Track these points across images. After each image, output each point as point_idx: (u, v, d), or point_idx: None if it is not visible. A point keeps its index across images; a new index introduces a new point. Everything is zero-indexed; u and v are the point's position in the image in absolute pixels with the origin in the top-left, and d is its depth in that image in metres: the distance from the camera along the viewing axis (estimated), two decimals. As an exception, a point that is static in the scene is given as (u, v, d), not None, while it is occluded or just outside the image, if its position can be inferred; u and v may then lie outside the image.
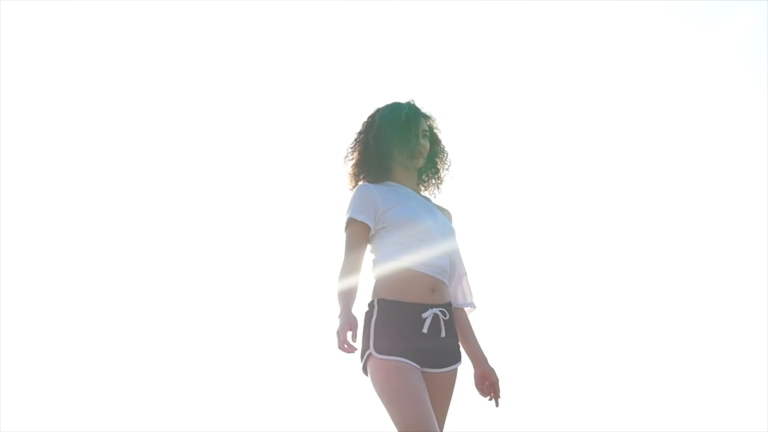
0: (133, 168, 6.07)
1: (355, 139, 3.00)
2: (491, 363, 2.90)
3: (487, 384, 2.88)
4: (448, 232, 2.93)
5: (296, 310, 5.32)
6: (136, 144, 6.09)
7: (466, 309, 2.95)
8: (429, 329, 2.76)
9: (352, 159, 2.99)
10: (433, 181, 3.05)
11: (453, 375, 2.82)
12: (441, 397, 2.79)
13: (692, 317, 6.03)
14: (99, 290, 5.88)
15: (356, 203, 2.87)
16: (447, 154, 3.05)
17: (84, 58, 6.02)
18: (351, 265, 2.80)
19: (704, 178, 6.31)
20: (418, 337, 2.75)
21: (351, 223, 2.86)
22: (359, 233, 2.84)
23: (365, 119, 3.01)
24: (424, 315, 2.76)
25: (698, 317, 6.04)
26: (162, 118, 6.08)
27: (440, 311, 2.78)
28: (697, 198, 6.29)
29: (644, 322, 6.01)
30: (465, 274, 2.95)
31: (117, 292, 5.87)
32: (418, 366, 2.70)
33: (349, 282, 2.79)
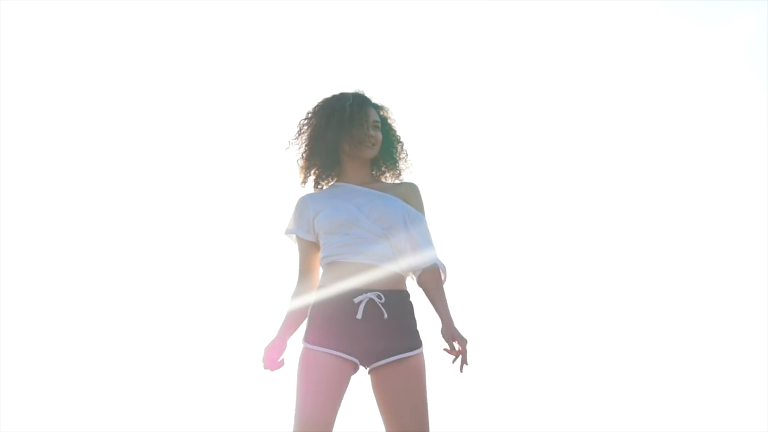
0: (133, 168, 6.07)
1: (300, 130, 2.94)
2: (458, 328, 2.75)
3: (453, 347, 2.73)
4: (387, 214, 2.80)
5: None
6: (136, 144, 6.09)
7: (431, 271, 2.81)
8: (365, 314, 2.70)
9: (302, 150, 2.94)
10: (390, 173, 2.97)
11: (407, 366, 2.68)
12: (403, 391, 2.66)
13: (692, 317, 6.03)
14: (99, 290, 5.88)
15: (293, 218, 2.97)
16: (402, 144, 2.97)
17: (84, 58, 6.02)
18: (299, 287, 2.95)
19: (705, 178, 6.31)
20: (353, 324, 2.70)
21: (291, 238, 2.99)
22: (301, 247, 2.95)
23: (310, 110, 2.95)
24: (356, 300, 2.71)
25: (698, 317, 6.04)
26: (162, 118, 6.08)
27: (376, 295, 2.71)
28: (699, 198, 6.29)
29: (644, 321, 6.00)
30: (422, 244, 2.81)
31: (117, 292, 5.87)
32: (354, 359, 2.69)
33: (296, 303, 2.94)
